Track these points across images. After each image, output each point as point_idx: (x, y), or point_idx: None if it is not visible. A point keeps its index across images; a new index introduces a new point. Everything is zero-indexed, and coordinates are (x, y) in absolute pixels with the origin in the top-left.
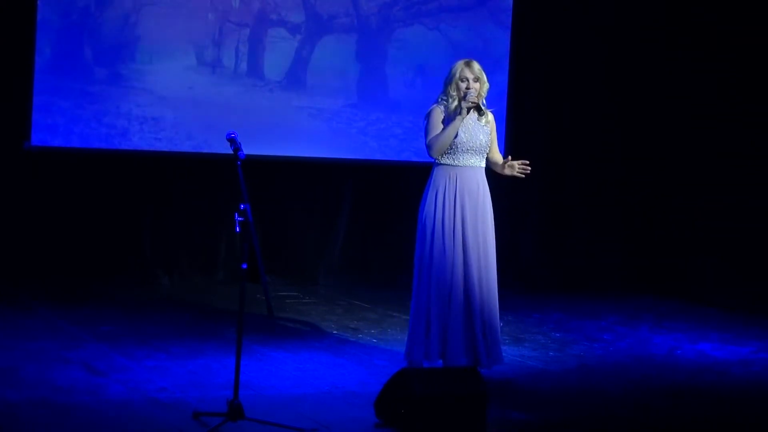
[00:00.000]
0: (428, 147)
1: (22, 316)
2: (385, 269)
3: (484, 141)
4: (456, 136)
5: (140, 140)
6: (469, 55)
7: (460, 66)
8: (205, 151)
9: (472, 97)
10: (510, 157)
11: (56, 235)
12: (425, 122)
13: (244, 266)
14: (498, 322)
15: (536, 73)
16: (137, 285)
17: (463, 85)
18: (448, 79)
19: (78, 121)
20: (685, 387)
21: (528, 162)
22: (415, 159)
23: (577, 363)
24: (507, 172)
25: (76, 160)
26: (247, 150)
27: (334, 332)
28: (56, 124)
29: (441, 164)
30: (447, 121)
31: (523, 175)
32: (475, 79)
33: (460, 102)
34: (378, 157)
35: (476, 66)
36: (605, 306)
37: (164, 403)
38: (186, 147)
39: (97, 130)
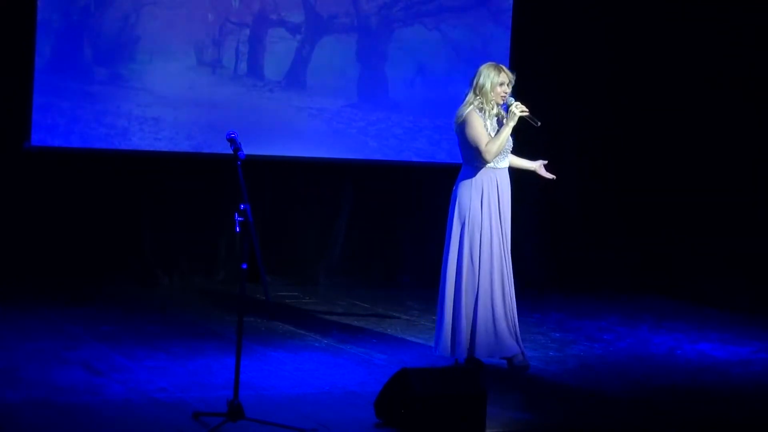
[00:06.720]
0: (486, 152)
1: (22, 316)
2: (385, 269)
3: (512, 143)
4: None
5: (140, 140)
6: (469, 55)
7: (496, 69)
8: (205, 151)
9: (519, 105)
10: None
11: (56, 235)
12: (465, 127)
13: (244, 266)
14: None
15: (536, 73)
16: (137, 285)
17: (501, 90)
18: (488, 84)
19: (78, 121)
20: (685, 387)
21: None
22: (415, 159)
23: (577, 363)
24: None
25: (75, 160)
26: (247, 150)
27: (334, 332)
28: (56, 124)
29: (485, 167)
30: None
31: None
32: (509, 83)
33: (499, 107)
34: (378, 157)
35: (507, 70)
36: (605, 306)
37: (164, 403)
38: (186, 147)
39: (96, 130)
